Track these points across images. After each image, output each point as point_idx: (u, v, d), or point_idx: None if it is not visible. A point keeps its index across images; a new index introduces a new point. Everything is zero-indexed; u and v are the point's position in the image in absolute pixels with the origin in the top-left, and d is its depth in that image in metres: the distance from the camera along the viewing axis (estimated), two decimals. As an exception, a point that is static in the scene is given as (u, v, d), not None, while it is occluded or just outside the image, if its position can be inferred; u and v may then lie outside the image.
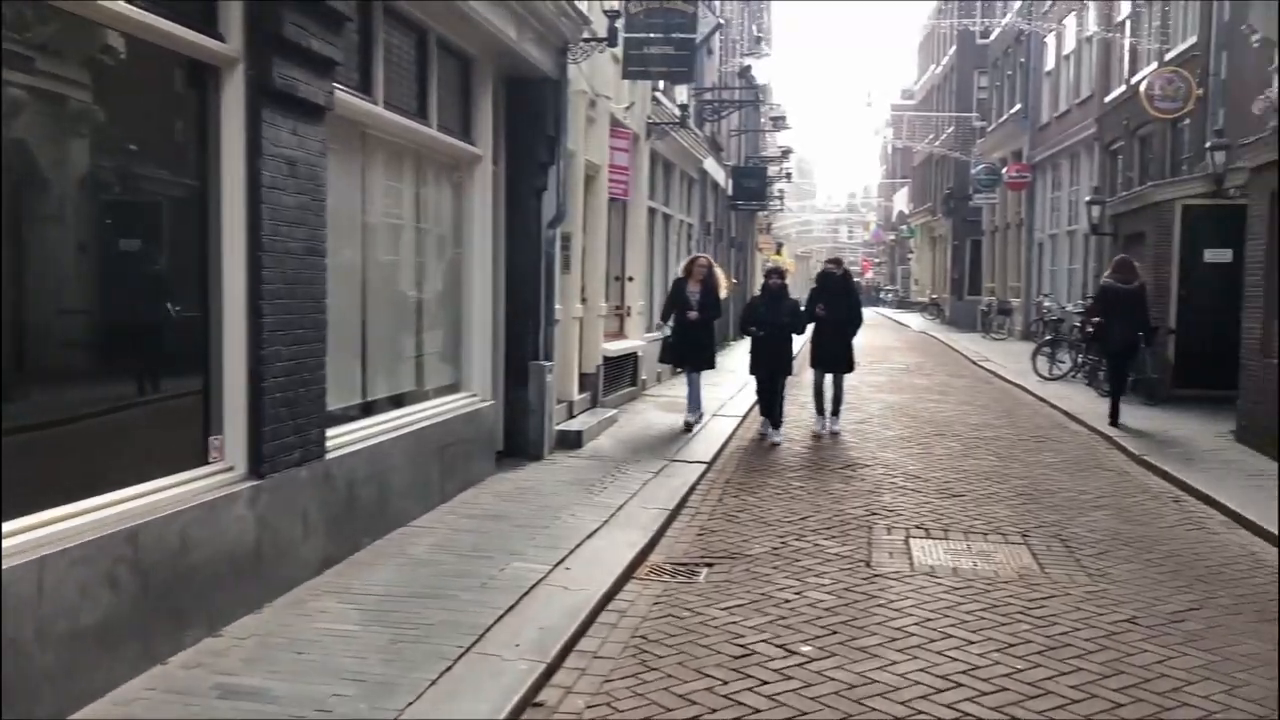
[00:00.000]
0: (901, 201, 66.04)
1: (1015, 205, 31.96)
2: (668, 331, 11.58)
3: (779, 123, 29.04)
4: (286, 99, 5.09)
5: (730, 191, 24.62)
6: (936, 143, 46.63)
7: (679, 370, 13.17)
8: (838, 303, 11.43)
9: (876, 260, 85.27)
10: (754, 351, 11.39)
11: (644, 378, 14.66)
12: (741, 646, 4.91)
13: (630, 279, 13.72)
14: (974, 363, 21.75)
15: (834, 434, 11.41)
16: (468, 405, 8.12)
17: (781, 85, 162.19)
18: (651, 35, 11.50)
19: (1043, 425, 12.79)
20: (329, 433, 5.78)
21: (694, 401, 11.57)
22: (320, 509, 5.59)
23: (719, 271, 11.91)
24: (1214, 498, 8.33)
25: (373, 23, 6.47)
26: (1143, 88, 17.74)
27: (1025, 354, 19.59)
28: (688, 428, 11.22)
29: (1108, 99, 22.92)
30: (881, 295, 66.81)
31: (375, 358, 6.87)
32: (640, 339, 14.13)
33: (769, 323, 11.09)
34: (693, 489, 8.49)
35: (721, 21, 14.12)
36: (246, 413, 4.99)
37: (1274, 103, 13.90)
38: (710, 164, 20.46)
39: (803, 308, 11.63)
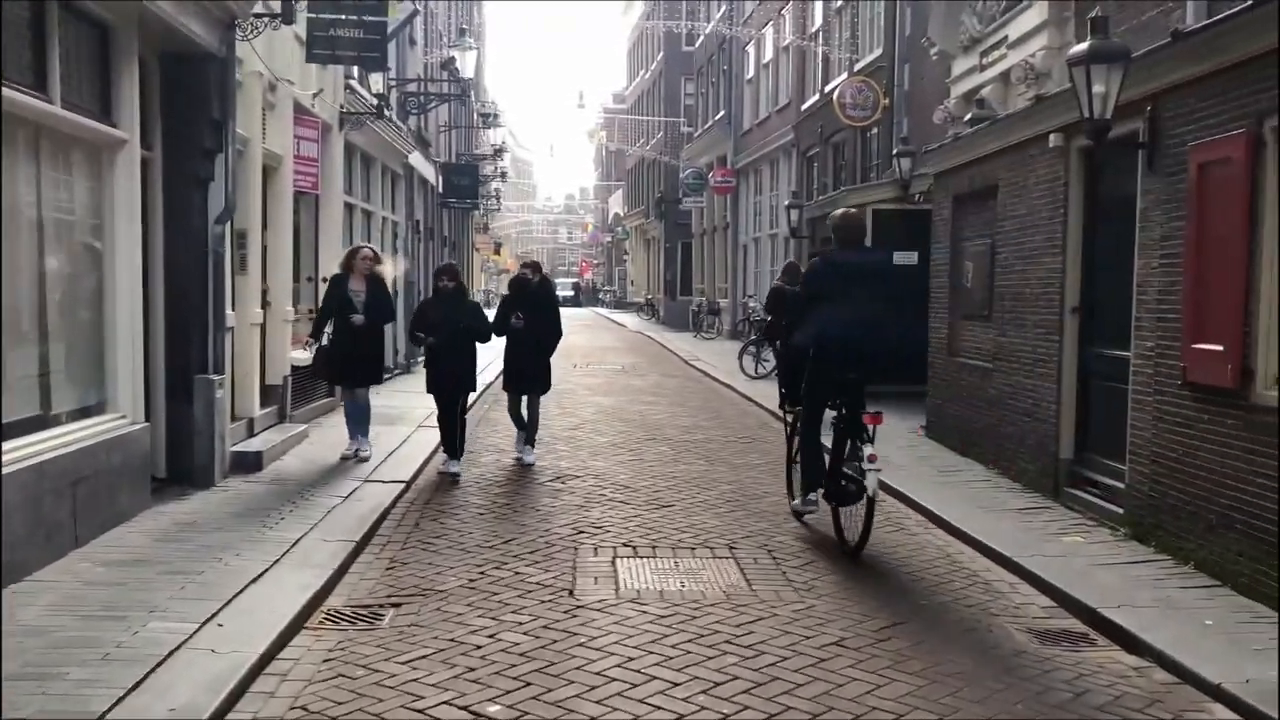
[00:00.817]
0: (617, 204, 67.13)
1: (722, 209, 32.95)
2: (324, 342, 9.55)
3: (489, 119, 28.37)
4: None
5: (441, 189, 23.71)
6: (647, 147, 47.58)
7: (339, 388, 10.63)
8: (537, 315, 9.79)
9: (595, 261, 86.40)
10: (429, 365, 9.46)
11: (343, 387, 13.60)
12: (419, 712, 4.23)
13: (324, 280, 12.61)
14: (686, 362, 22.05)
15: (527, 465, 9.64)
16: (112, 429, 6.94)
17: (500, 86, 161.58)
18: (339, 17, 10.54)
19: (750, 425, 12.89)
20: (-103, 478, 4.58)
21: (359, 427, 9.59)
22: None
23: (387, 266, 10.45)
24: (910, 497, 8.48)
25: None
26: (835, 96, 18.50)
27: (734, 353, 20.00)
28: (358, 458, 9.33)
29: (804, 107, 23.93)
30: (600, 295, 67.61)
31: (-24, 379, 5.64)
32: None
33: (446, 329, 9.21)
34: (386, 514, 7.71)
35: (417, 9, 13.28)
36: None
37: (951, 113, 14.78)
38: (417, 159, 19.51)
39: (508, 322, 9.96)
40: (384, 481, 8.65)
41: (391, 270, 10.04)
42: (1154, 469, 6.56)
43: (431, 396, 9.42)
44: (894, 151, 14.87)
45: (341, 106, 12.91)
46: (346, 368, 9.56)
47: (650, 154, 46.42)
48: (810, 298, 7.02)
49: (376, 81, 12.71)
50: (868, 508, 6.47)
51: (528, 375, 9.88)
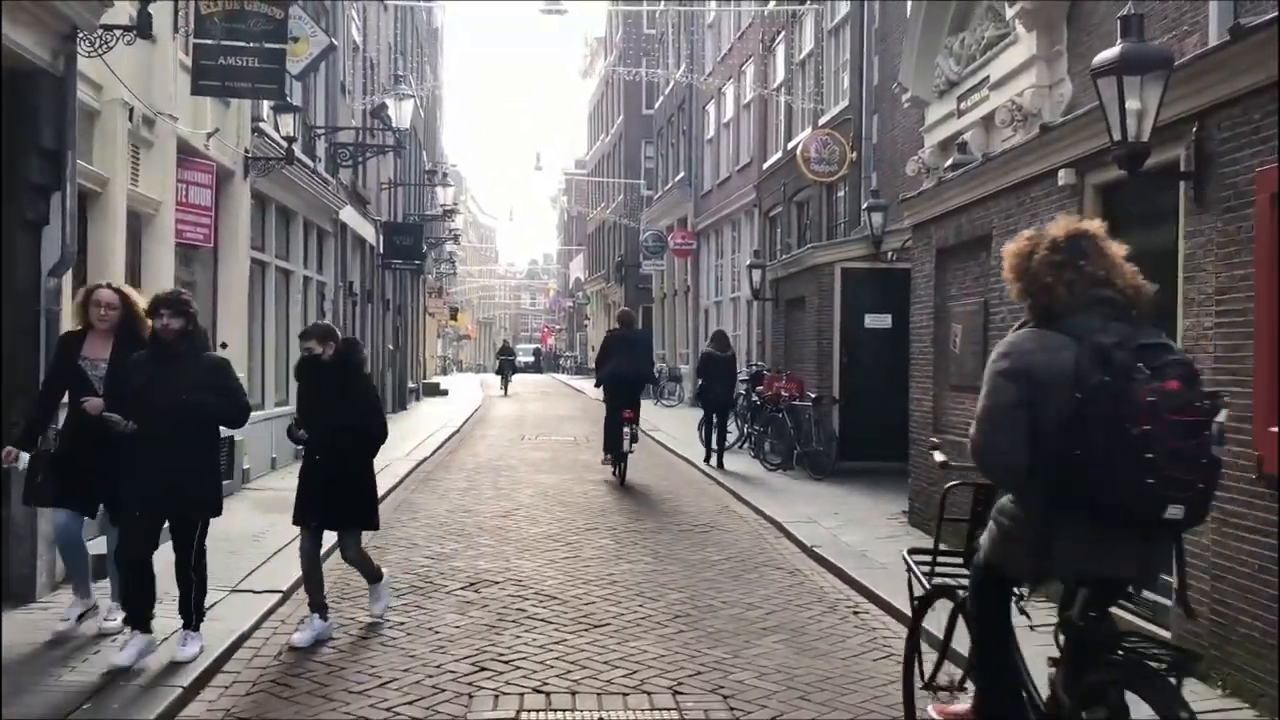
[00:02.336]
0: (579, 268, 66.12)
1: (683, 272, 31.77)
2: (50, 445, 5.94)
3: (435, 177, 27.06)
4: None
5: (382, 249, 22.27)
6: (608, 210, 46.56)
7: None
8: (327, 407, 6.24)
9: (557, 327, 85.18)
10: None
11: (247, 466, 11.99)
12: None
13: (223, 345, 11.07)
14: (644, 432, 20.56)
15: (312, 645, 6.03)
16: None
17: (461, 153, 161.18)
18: (230, 43, 9.13)
19: (708, 509, 11.37)
20: None
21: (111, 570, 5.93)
22: None
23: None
24: (893, 604, 6.98)
25: None
26: (799, 150, 17.34)
27: (694, 422, 18.50)
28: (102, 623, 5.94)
29: (766, 165, 22.83)
30: (561, 362, 66.18)
31: None
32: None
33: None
34: (256, 627, 6.12)
35: (334, 43, 11.92)
36: None
37: (926, 163, 13.58)
38: (351, 216, 18.08)
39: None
40: (255, 593, 7.04)
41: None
42: (1216, 587, 5.12)
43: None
44: (864, 205, 13.62)
45: (247, 151, 11.46)
46: (102, 483, 5.71)
47: (611, 217, 45.40)
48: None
49: (288, 123, 11.28)
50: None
51: (322, 501, 6.30)
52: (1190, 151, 5.23)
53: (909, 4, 14.50)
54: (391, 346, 25.04)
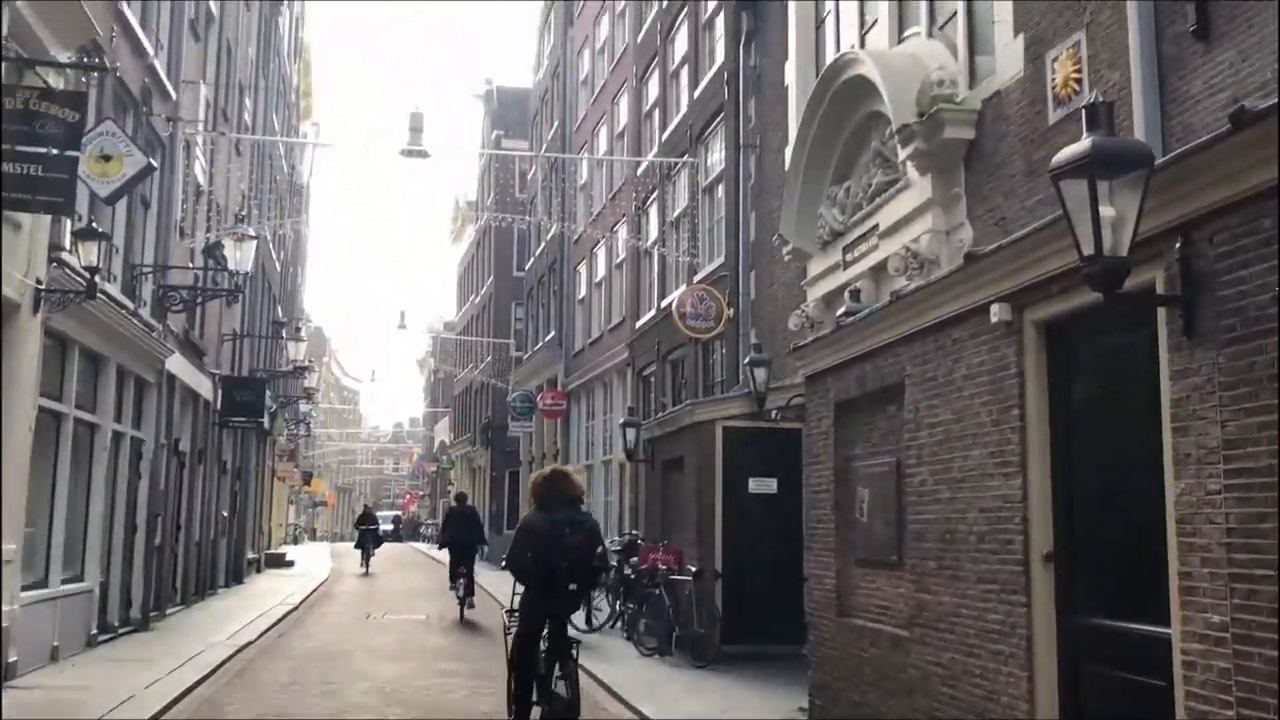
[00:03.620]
0: (444, 432, 64.02)
1: (552, 434, 30.39)
2: None
3: (286, 329, 25.33)
4: None
5: (219, 406, 20.29)
6: (476, 371, 45.17)
7: None
8: None
9: (420, 493, 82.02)
10: None
11: (13, 659, 9.82)
12: None
13: (-11, 514, 9.10)
14: (508, 610, 18.64)
15: None
16: None
17: (330, 315, 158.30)
18: (14, 148, 7.66)
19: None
20: None
21: None
22: None
23: None
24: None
25: None
26: (674, 307, 16.47)
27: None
28: None
29: (639, 324, 21.98)
30: (422, 530, 63.15)
31: None
32: (7, 601, 9.46)
33: None
34: None
35: (153, 164, 10.52)
36: None
37: (810, 317, 12.75)
38: (180, 366, 16.25)
39: None
40: None
41: None
42: None
43: None
44: (745, 360, 12.63)
45: (39, 281, 9.79)
46: None
47: (479, 378, 44.01)
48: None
49: (91, 252, 9.71)
50: None
51: None
52: (1174, 272, 4.24)
53: (788, 156, 14.00)
54: (226, 513, 22.70)
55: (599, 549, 7.66)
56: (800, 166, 12.38)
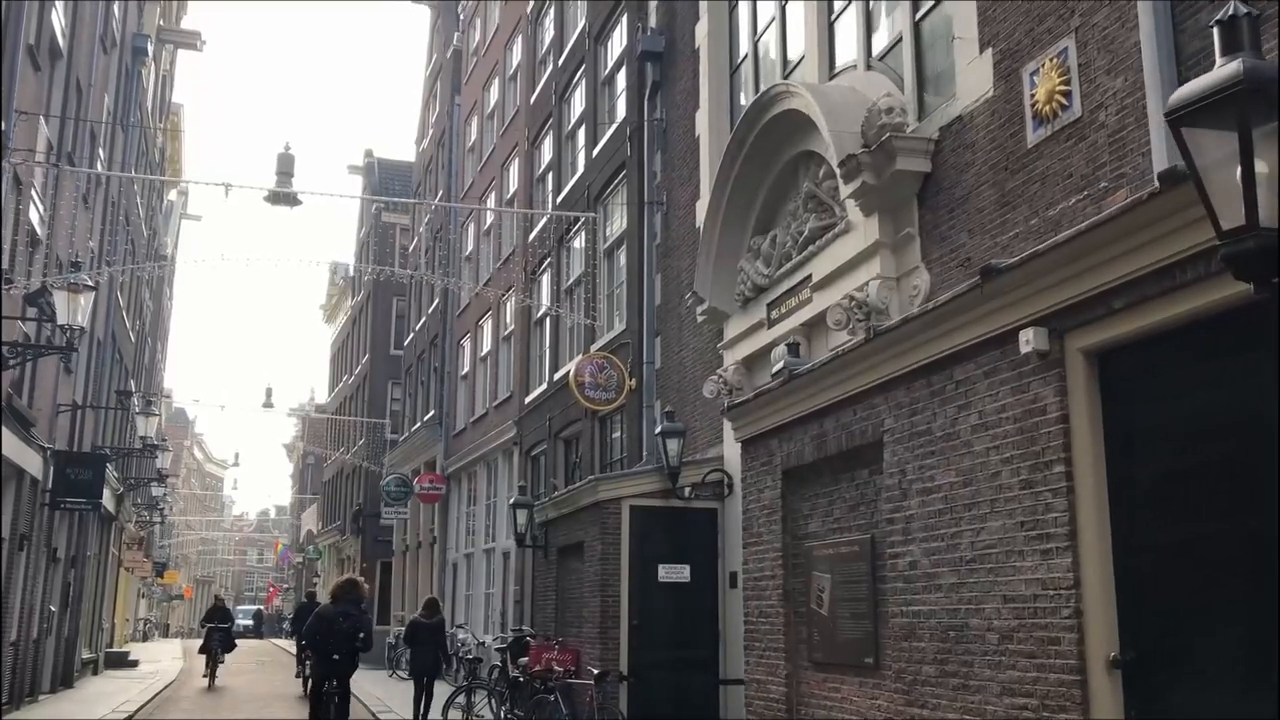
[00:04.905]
0: (311, 520, 60.57)
1: (429, 521, 28.33)
2: None
3: (135, 400, 22.89)
4: None
5: (50, 484, 17.82)
6: (348, 455, 42.62)
7: None
8: None
9: (285, 585, 77.45)
10: None
11: None
12: None
13: None
14: (374, 716, 16.58)
15: None
16: None
17: (194, 399, 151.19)
18: None
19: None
20: None
21: None
22: None
23: None
24: None
25: None
26: (572, 376, 15.00)
27: (439, 701, 14.89)
28: None
29: (529, 399, 20.42)
30: (284, 625, 59.12)
31: None
32: None
33: None
34: None
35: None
36: None
37: (729, 382, 11.48)
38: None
39: None
40: None
41: None
42: None
43: None
44: (656, 431, 11.23)
45: None
46: None
47: (351, 460, 41.49)
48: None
49: None
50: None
51: None
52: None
53: (699, 211, 12.88)
54: (54, 608, 19.96)
55: (361, 635, 10.75)
56: (718, 216, 11.22)
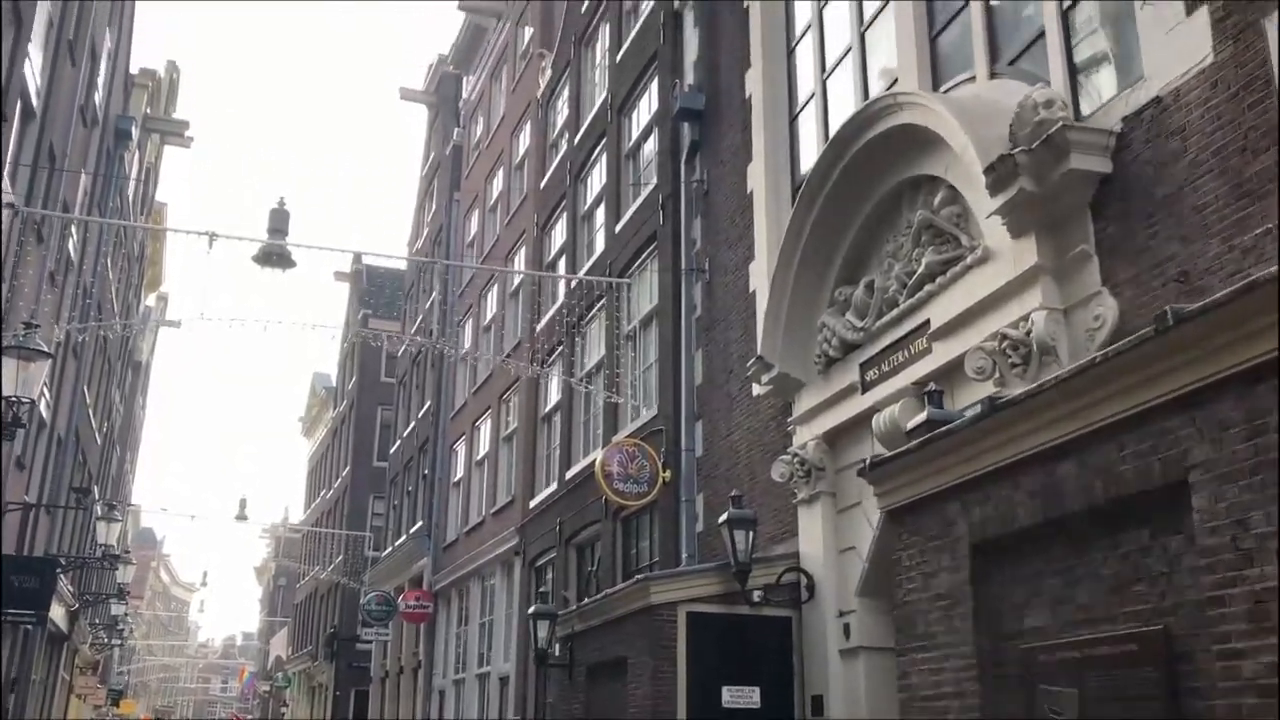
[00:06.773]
0: (281, 645, 57.17)
1: (412, 644, 25.85)
2: None
3: (85, 497, 20.63)
4: None
5: (-10, 594, 15.54)
6: (324, 573, 39.94)
7: None
8: None
9: (250, 716, 73.02)
10: None
11: None
12: None
13: None
14: None
15: None
16: None
17: (163, 518, 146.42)
18: None
19: None
20: None
21: None
22: None
23: None
24: None
25: None
26: (598, 465, 13.08)
27: None
28: None
29: (534, 502, 18.40)
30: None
31: None
32: None
33: None
34: None
35: None
36: None
37: (805, 461, 9.59)
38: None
39: None
40: None
41: None
42: None
43: None
44: (721, 520, 9.26)
45: None
46: None
47: (327, 578, 38.82)
48: None
49: None
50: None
51: None
52: None
53: (753, 274, 11.28)
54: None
55: None
56: (790, 269, 9.55)
